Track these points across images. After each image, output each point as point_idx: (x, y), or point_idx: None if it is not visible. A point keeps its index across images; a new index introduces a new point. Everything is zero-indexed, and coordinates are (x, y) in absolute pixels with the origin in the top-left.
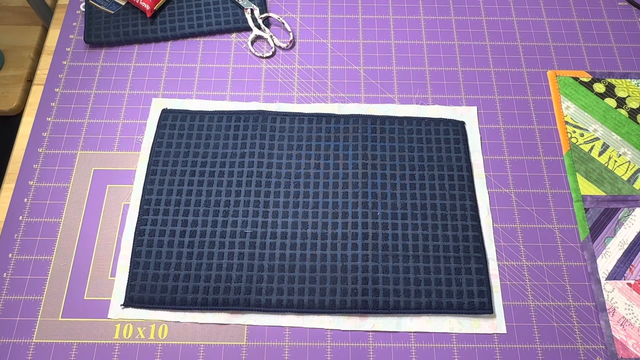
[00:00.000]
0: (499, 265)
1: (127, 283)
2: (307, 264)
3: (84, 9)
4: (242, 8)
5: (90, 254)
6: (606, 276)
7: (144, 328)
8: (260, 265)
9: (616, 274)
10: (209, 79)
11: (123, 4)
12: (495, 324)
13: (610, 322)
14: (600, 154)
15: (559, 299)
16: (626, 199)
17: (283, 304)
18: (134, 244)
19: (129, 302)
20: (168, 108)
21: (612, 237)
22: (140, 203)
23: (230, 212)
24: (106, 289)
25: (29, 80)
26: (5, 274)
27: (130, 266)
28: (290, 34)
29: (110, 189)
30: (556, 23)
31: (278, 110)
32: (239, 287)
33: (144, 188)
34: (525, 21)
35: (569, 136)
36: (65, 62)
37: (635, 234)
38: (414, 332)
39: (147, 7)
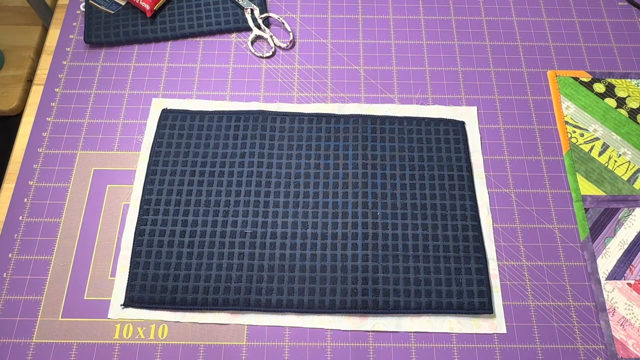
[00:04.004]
0: (499, 265)
1: (127, 283)
2: (307, 264)
3: (84, 9)
4: (242, 8)
5: (90, 254)
6: (606, 276)
7: (144, 328)
8: (260, 265)
9: (616, 274)
10: (209, 79)
11: (123, 4)
12: (495, 324)
13: (610, 322)
14: (600, 154)
15: (559, 299)
16: (626, 199)
17: (283, 304)
18: (134, 244)
19: (129, 302)
20: (168, 108)
21: (612, 237)
22: (140, 203)
23: (230, 212)
24: (106, 289)
25: (29, 80)
26: (5, 274)
27: (130, 266)
28: (290, 34)
29: (110, 189)
30: (556, 23)
31: (278, 110)
32: (239, 287)
33: (144, 188)
34: (525, 21)
35: (569, 136)
36: (65, 62)
37: (635, 234)
38: (414, 332)
39: (147, 7)
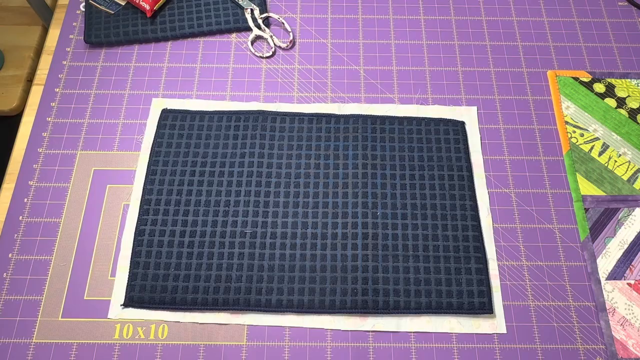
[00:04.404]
0: (499, 265)
1: (127, 283)
2: (307, 263)
3: (84, 9)
4: (242, 8)
5: (90, 254)
6: (606, 276)
7: (144, 328)
8: (260, 265)
9: (616, 274)
10: (209, 79)
11: (123, 4)
12: (495, 324)
13: (610, 322)
14: (600, 154)
15: (559, 299)
16: (626, 199)
17: (283, 304)
18: (134, 244)
19: (129, 302)
20: (168, 108)
21: (612, 237)
22: (140, 203)
23: (230, 212)
24: (106, 289)
25: (29, 80)
26: (5, 274)
27: (130, 266)
28: (290, 34)
29: (110, 189)
30: (556, 23)
31: (278, 110)
32: (239, 287)
33: (144, 188)
34: (525, 21)
35: (569, 136)
36: (65, 62)
37: (635, 234)
38: (414, 332)
39: (147, 7)
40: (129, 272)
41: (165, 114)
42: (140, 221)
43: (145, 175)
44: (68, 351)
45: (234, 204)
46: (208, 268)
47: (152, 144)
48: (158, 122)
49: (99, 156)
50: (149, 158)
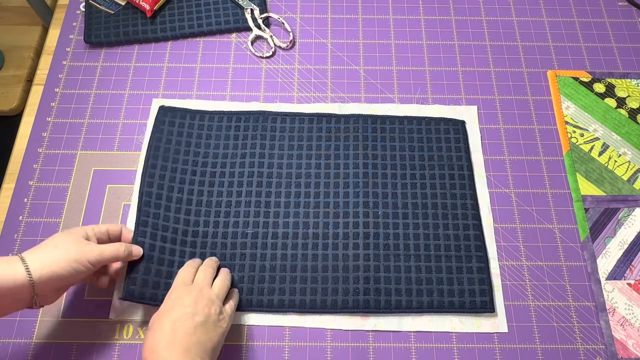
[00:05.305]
0: (499, 265)
1: (127, 285)
2: (309, 263)
3: (84, 9)
4: (242, 8)
5: None
6: (606, 276)
7: (144, 328)
8: (262, 265)
9: (616, 274)
10: (209, 79)
11: (123, 4)
12: (496, 323)
13: (610, 322)
14: (600, 154)
15: (559, 299)
16: (626, 199)
17: (285, 304)
18: (134, 244)
19: (129, 295)
20: (166, 105)
21: (612, 237)
22: (141, 204)
23: (231, 212)
24: (106, 288)
25: (29, 80)
26: None
27: (129, 267)
28: (290, 34)
29: (110, 189)
30: (556, 23)
31: (278, 111)
32: (240, 287)
33: (144, 188)
34: (525, 21)
35: (569, 136)
36: (65, 62)
37: (635, 234)
38: (414, 332)
39: (147, 7)
40: (129, 273)
41: (164, 111)
42: (141, 222)
43: (146, 176)
44: (68, 351)
45: (235, 204)
46: None
47: (149, 139)
48: (155, 119)
49: (99, 156)
50: (150, 158)
